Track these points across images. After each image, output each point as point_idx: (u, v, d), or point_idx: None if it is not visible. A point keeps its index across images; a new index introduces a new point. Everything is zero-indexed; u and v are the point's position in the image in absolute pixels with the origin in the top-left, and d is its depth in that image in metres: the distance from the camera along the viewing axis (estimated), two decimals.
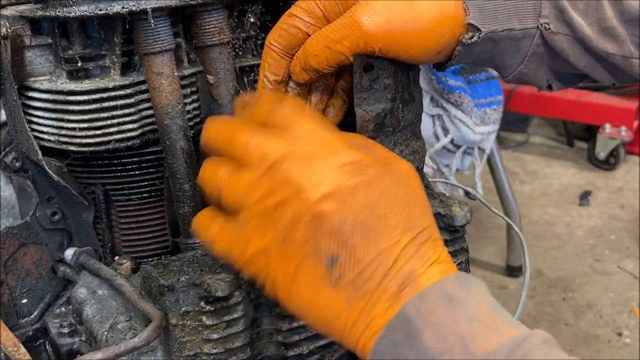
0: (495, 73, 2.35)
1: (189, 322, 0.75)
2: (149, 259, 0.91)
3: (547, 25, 0.77)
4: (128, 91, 0.83)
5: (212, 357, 0.75)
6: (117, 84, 0.82)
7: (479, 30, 0.75)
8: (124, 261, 0.86)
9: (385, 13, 0.72)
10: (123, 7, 0.76)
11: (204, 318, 0.75)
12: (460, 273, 0.63)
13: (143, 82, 0.83)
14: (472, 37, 0.76)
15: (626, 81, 0.83)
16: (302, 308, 0.65)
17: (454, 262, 0.86)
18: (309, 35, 0.77)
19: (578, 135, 4.03)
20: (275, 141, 0.65)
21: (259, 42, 0.92)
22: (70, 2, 0.77)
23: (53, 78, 0.84)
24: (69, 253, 0.91)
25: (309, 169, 0.63)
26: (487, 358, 0.56)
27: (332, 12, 0.76)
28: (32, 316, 0.91)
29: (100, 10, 0.76)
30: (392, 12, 0.72)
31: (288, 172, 0.63)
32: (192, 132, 0.85)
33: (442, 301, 0.59)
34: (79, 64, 0.83)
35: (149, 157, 0.88)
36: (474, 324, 0.58)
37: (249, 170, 0.65)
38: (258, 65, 0.88)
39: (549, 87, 0.84)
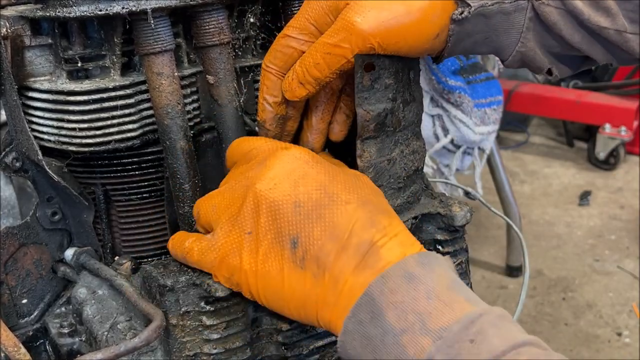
0: (495, 73, 2.35)
1: (189, 322, 0.75)
2: (149, 259, 0.91)
3: None
4: (128, 91, 0.83)
5: (212, 357, 0.75)
6: (117, 84, 0.82)
7: (468, 5, 0.75)
8: (124, 261, 0.86)
9: (376, 7, 0.73)
10: (123, 8, 0.76)
11: (204, 318, 0.75)
12: (423, 252, 0.66)
13: (143, 82, 0.83)
14: (462, 13, 0.75)
15: (624, 61, 0.82)
16: (275, 296, 0.69)
17: (454, 262, 0.86)
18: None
19: (578, 135, 4.04)
20: (246, 166, 0.75)
21: (259, 42, 0.92)
22: (70, 2, 0.77)
23: (53, 78, 0.84)
24: (69, 253, 0.91)
25: (263, 167, 0.71)
26: (442, 334, 0.59)
27: (323, 24, 0.77)
28: (32, 316, 0.91)
29: (100, 10, 0.76)
30: (382, 5, 0.73)
31: (246, 177, 0.71)
32: (192, 132, 0.85)
33: (403, 280, 0.62)
34: (79, 64, 0.83)
35: (149, 157, 0.88)
36: (431, 302, 0.61)
37: (220, 190, 0.75)
38: (258, 66, 0.88)
39: (550, 73, 0.83)
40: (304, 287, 0.66)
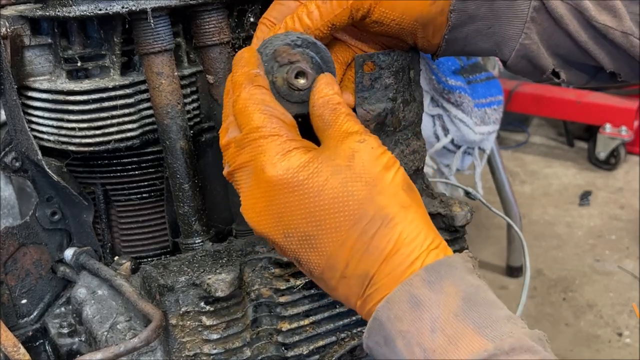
0: (495, 72, 2.35)
1: (188, 322, 0.75)
2: (149, 259, 0.91)
3: None
4: (128, 91, 0.83)
5: (212, 357, 0.75)
6: (117, 84, 0.82)
7: None
8: (123, 261, 0.86)
9: None
10: (123, 7, 0.76)
11: (203, 318, 0.75)
12: (431, 265, 0.60)
13: (143, 82, 0.83)
14: None
15: (628, 72, 0.79)
16: None
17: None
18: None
19: (578, 135, 4.03)
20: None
21: None
22: (70, 2, 0.77)
23: (53, 78, 0.84)
24: (69, 253, 0.91)
25: (246, 195, 0.66)
26: None
27: None
28: (32, 316, 0.91)
29: (100, 10, 0.76)
30: None
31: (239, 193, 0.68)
32: (192, 132, 0.85)
33: (408, 306, 0.59)
34: (79, 64, 0.83)
35: (149, 157, 0.88)
36: (435, 337, 0.58)
37: None
38: None
39: (557, 76, 0.81)
40: (324, 286, 0.66)
